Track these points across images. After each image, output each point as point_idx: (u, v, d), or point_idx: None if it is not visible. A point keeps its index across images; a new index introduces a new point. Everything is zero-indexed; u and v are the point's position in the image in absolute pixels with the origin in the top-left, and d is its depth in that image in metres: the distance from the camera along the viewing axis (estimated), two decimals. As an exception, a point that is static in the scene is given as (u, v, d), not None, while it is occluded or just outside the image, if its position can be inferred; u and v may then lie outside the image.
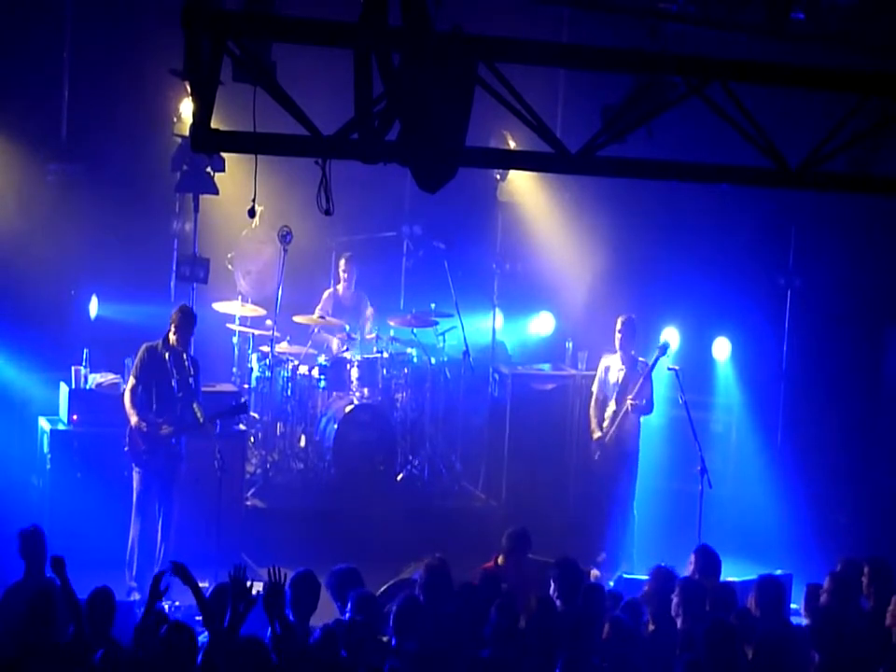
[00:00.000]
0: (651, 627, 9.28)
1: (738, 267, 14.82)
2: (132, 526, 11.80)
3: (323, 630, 8.43)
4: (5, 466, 12.95)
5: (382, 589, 10.05)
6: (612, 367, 13.69)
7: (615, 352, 13.68)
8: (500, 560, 10.55)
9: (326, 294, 14.73)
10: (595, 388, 13.85)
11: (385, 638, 8.81)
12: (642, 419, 13.79)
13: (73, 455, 12.58)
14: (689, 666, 8.30)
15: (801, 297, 14.93)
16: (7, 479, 12.83)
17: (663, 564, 10.06)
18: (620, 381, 13.58)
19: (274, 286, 14.07)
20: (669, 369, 13.55)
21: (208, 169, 12.88)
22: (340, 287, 14.83)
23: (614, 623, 8.89)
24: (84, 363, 12.94)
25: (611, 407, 13.63)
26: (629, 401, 13.49)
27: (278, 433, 14.30)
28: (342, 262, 14.77)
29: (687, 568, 10.13)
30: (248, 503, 13.43)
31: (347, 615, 8.83)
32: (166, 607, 11.00)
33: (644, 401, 13.57)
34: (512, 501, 14.22)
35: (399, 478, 14.18)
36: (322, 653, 8.25)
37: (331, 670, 8.21)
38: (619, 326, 13.60)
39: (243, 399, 13.09)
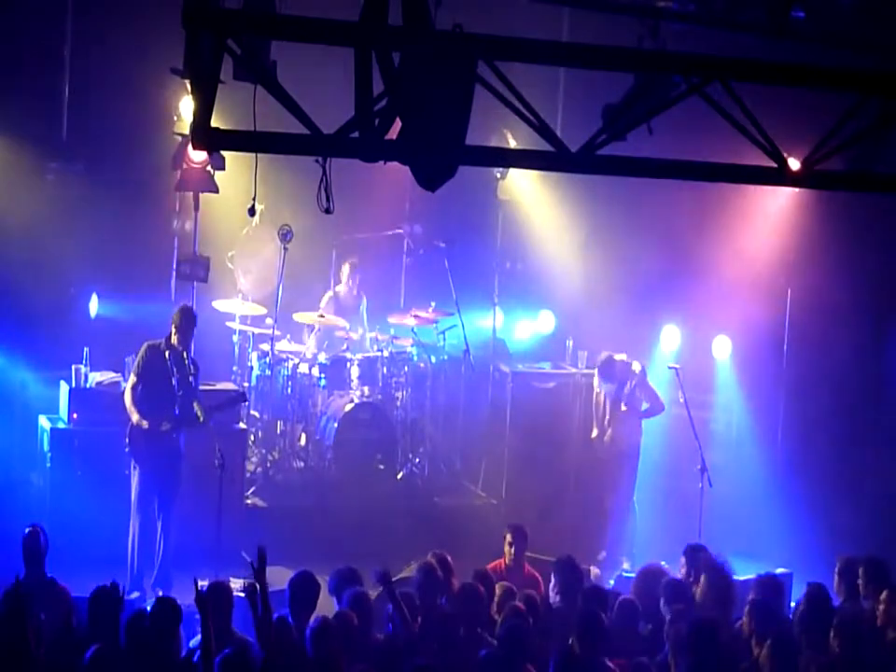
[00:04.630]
0: (649, 626, 9.29)
1: (739, 266, 14.81)
2: (131, 525, 11.80)
3: (312, 626, 8.45)
4: (5, 464, 12.98)
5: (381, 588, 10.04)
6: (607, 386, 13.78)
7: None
8: (508, 560, 10.57)
9: (326, 298, 14.72)
10: (595, 385, 13.90)
11: (380, 636, 8.84)
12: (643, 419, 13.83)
13: (73, 453, 12.60)
14: (692, 667, 8.31)
15: (801, 296, 14.92)
16: (8, 477, 12.85)
17: (653, 562, 10.09)
18: (614, 394, 13.62)
19: (275, 284, 14.07)
20: (670, 367, 13.57)
21: (208, 168, 12.88)
22: (340, 289, 14.83)
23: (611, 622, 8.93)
24: (84, 362, 12.96)
25: (609, 411, 13.68)
26: (622, 406, 13.57)
27: (278, 432, 14.30)
28: (346, 267, 14.77)
29: (679, 569, 10.14)
30: (248, 502, 13.44)
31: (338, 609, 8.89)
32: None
33: (648, 404, 13.64)
34: (512, 500, 14.22)
35: (399, 476, 14.18)
36: (313, 647, 8.27)
37: (324, 665, 8.21)
38: (598, 364, 13.80)
39: (241, 389, 13.16)
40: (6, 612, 8.11)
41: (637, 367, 13.65)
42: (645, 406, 13.69)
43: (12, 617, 8.04)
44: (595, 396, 13.93)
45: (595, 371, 13.86)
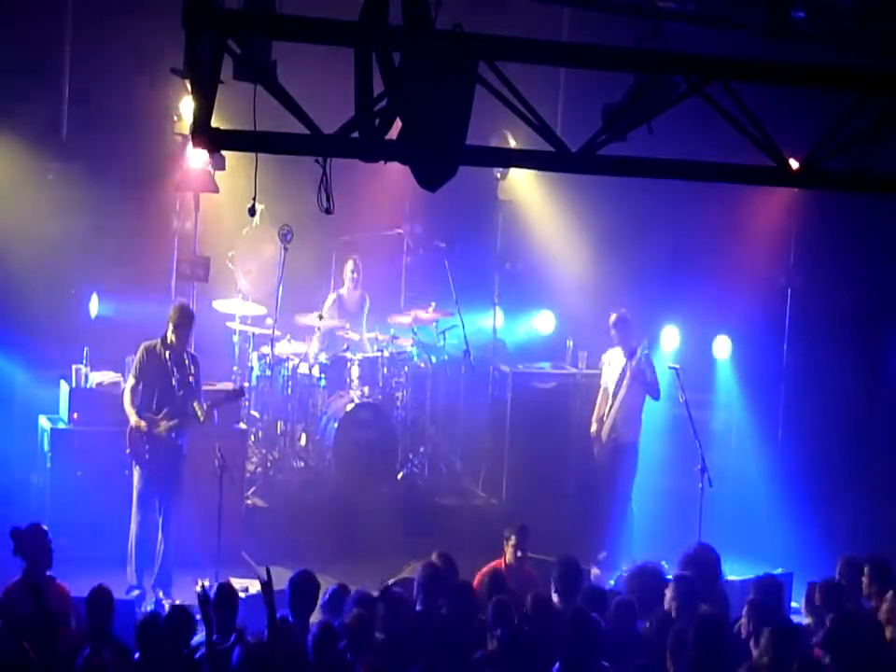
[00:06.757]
0: (648, 625, 9.28)
1: (739, 266, 14.82)
2: (132, 525, 11.80)
3: (319, 626, 8.44)
4: (5, 464, 12.97)
5: (382, 588, 10.04)
6: (614, 360, 13.73)
7: (616, 346, 13.74)
8: (509, 559, 10.56)
9: (330, 300, 14.71)
10: (601, 383, 13.86)
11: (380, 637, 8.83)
12: (644, 417, 13.81)
13: (73, 453, 12.59)
14: (692, 666, 8.30)
15: (801, 296, 14.93)
16: (8, 477, 12.84)
17: (648, 561, 10.10)
18: (619, 374, 13.59)
19: (275, 284, 14.07)
20: (670, 367, 13.55)
21: (208, 168, 12.88)
22: (344, 291, 14.81)
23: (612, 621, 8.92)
24: (84, 362, 12.95)
25: (609, 401, 13.66)
26: (623, 392, 13.52)
27: (279, 432, 14.30)
28: (349, 264, 14.74)
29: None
30: (248, 501, 13.43)
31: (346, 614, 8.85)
32: (167, 606, 11.02)
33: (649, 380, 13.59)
34: (513, 500, 14.23)
35: (399, 476, 14.18)
36: (319, 650, 8.27)
37: (329, 668, 8.22)
38: (611, 323, 13.67)
39: (240, 386, 13.18)
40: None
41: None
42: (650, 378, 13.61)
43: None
44: (601, 383, 13.84)
45: (612, 331, 13.62)
